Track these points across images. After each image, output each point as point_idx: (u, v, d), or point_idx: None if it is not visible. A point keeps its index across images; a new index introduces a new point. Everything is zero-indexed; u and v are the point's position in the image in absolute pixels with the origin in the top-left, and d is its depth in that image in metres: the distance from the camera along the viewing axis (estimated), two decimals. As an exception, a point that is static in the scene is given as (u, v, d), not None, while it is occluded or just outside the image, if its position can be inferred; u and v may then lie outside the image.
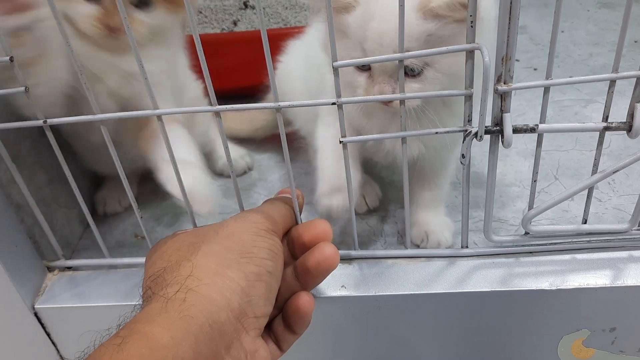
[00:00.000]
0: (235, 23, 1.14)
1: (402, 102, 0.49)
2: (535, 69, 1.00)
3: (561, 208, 0.70)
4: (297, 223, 0.55)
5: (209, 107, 0.50)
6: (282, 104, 0.49)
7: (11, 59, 0.48)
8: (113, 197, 0.78)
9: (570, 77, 0.98)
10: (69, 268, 0.65)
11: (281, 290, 0.51)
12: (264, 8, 1.15)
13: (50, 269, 0.64)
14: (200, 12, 1.17)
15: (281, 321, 0.51)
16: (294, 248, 0.53)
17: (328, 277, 0.55)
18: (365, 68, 0.52)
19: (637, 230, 0.56)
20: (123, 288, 0.61)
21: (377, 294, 0.57)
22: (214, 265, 0.43)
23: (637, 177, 0.75)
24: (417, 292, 0.56)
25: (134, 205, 0.57)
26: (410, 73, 0.50)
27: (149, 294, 0.42)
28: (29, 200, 0.59)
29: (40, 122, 0.52)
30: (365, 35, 0.50)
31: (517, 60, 1.02)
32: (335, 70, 0.47)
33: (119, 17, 0.48)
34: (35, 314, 0.61)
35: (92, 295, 0.61)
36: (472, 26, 0.44)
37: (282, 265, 0.48)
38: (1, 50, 0.49)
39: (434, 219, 0.65)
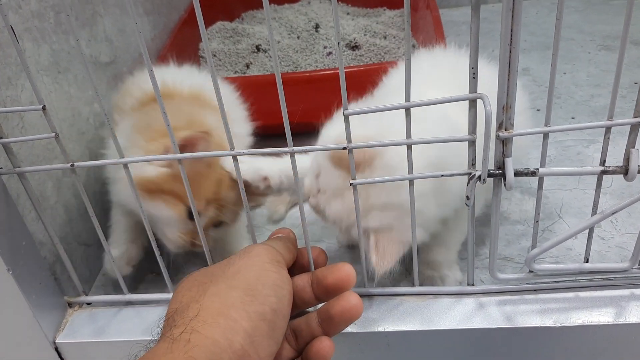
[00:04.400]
0: (248, 66, 1.18)
1: (409, 146, 0.51)
2: (538, 110, 1.03)
3: (565, 246, 0.72)
4: (304, 261, 0.56)
5: (227, 152, 0.53)
6: (295, 148, 0.52)
7: (43, 108, 0.52)
8: None
9: (573, 118, 1.02)
10: (89, 304, 0.67)
11: (303, 334, 0.53)
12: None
13: (70, 305, 0.66)
14: (215, 56, 1.21)
15: None
16: (318, 289, 0.53)
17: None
18: None
19: (638, 268, 0.57)
20: (141, 324, 0.63)
21: (386, 330, 0.59)
22: (219, 306, 0.44)
23: (639, 216, 0.76)
24: (425, 329, 0.58)
25: (154, 243, 0.60)
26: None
27: (160, 334, 0.44)
28: (53, 239, 0.61)
29: (67, 166, 0.55)
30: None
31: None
32: (346, 117, 0.50)
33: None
34: (56, 349, 0.63)
35: (112, 330, 0.63)
36: (474, 77, 0.47)
37: (288, 299, 0.49)
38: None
39: (437, 269, 0.67)
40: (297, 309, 0.55)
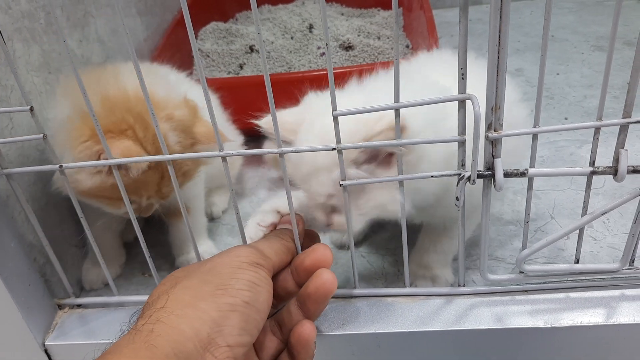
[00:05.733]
0: (241, 67, 1.18)
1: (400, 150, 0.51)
2: (532, 110, 1.03)
3: (557, 247, 0.72)
4: (297, 251, 0.56)
5: (216, 153, 0.53)
6: (284, 149, 0.52)
7: (31, 109, 0.52)
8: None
9: (566, 118, 1.02)
10: (79, 305, 0.67)
11: (286, 322, 0.53)
12: (269, 52, 1.19)
13: (60, 307, 0.66)
14: (208, 56, 1.21)
15: (287, 355, 0.52)
16: (298, 275, 0.54)
17: (329, 314, 0.56)
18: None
19: (628, 269, 0.57)
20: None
21: (377, 331, 0.58)
22: (188, 298, 0.44)
23: (631, 216, 0.76)
24: (415, 330, 0.58)
25: (143, 244, 0.60)
26: (337, 209, 0.55)
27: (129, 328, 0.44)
28: (42, 240, 0.61)
29: (56, 167, 0.55)
30: (295, 172, 0.54)
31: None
32: (335, 118, 0.50)
33: None
34: (46, 351, 0.63)
35: (102, 332, 0.62)
36: (462, 78, 0.47)
37: (266, 297, 0.48)
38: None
39: (428, 269, 0.67)
40: (282, 301, 0.55)
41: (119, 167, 0.56)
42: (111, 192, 0.59)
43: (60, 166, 0.55)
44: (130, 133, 0.59)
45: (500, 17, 0.43)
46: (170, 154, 0.59)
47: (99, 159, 0.57)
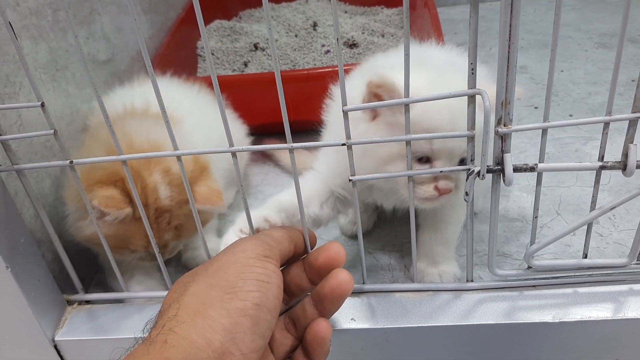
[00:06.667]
0: (246, 64, 1.18)
1: (407, 143, 0.52)
2: (535, 107, 1.04)
3: (563, 243, 0.72)
4: (305, 243, 0.56)
5: (226, 148, 0.53)
6: (294, 144, 0.52)
7: (42, 104, 0.52)
8: None
9: (570, 115, 1.02)
10: (87, 301, 0.67)
11: (300, 320, 0.53)
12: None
13: (69, 303, 0.66)
14: (213, 54, 1.21)
15: (302, 352, 0.52)
16: (311, 273, 0.54)
17: (338, 309, 0.56)
18: (424, 160, 0.55)
19: (636, 264, 0.58)
20: (140, 321, 0.62)
21: (385, 326, 0.59)
22: (197, 305, 0.43)
23: (637, 212, 0.77)
24: (424, 325, 0.58)
25: (153, 242, 0.60)
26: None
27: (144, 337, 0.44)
28: (52, 236, 0.61)
29: (66, 163, 0.55)
30: (432, 125, 0.52)
31: (518, 99, 1.06)
32: (345, 113, 0.50)
33: None
34: (55, 347, 0.63)
35: (110, 328, 0.63)
36: (472, 73, 0.47)
37: (276, 292, 0.47)
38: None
39: (435, 265, 0.67)
40: (295, 297, 0.55)
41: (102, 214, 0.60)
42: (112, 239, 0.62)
43: (71, 162, 0.55)
44: (120, 184, 0.61)
45: (511, 12, 0.43)
46: (157, 205, 0.62)
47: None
